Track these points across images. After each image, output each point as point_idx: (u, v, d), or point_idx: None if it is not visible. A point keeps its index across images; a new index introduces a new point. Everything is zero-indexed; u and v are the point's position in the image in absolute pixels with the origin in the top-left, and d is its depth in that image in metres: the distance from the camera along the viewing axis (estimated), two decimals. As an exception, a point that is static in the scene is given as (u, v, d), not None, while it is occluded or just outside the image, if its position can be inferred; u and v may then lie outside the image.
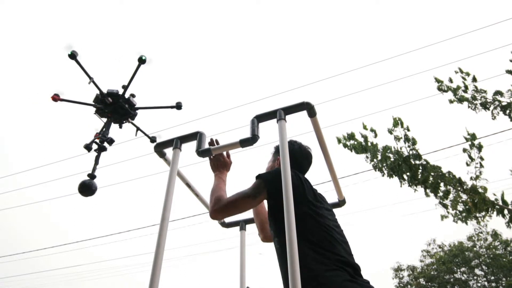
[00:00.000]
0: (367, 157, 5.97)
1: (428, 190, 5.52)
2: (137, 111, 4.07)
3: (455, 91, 5.91)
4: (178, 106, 4.10)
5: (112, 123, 3.97)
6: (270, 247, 1.58)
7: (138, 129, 4.14)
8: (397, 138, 5.77)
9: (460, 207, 5.64)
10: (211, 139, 1.71)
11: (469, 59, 6.80)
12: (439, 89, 6.05)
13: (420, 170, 5.49)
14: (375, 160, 5.89)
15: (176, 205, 1.51)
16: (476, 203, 5.16)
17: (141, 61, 3.69)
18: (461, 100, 5.88)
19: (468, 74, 5.93)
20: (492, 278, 16.93)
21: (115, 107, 3.86)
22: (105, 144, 3.79)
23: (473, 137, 5.45)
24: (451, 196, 5.60)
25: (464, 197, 5.50)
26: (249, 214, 2.13)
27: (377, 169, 5.90)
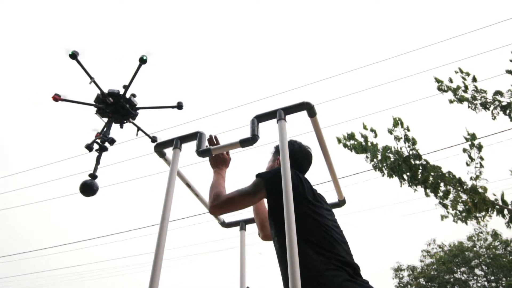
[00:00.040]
0: (367, 157, 5.97)
1: (428, 190, 5.52)
2: (138, 111, 4.07)
3: (455, 91, 5.91)
4: (179, 106, 4.09)
5: (113, 123, 3.97)
6: (270, 247, 1.58)
7: (139, 129, 4.14)
8: (397, 138, 5.77)
9: (460, 207, 5.64)
10: (210, 136, 1.71)
11: (469, 59, 6.81)
12: (439, 89, 6.05)
13: (420, 170, 5.49)
14: (375, 160, 5.89)
15: (176, 205, 1.52)
16: (476, 203, 5.16)
17: (142, 61, 3.69)
18: (461, 100, 5.88)
19: (468, 74, 5.93)
20: (492, 278, 16.93)
21: (116, 107, 3.85)
22: (106, 144, 3.79)
23: (473, 137, 5.45)
24: (451, 196, 5.60)
25: (464, 197, 5.50)
26: (249, 214, 2.13)
27: (377, 169, 5.90)
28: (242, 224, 2.13)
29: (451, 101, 5.95)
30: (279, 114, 1.42)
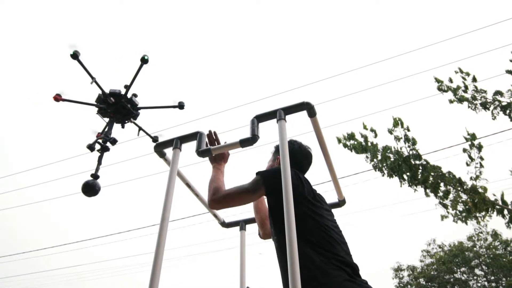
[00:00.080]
0: (367, 157, 5.97)
1: (428, 190, 5.52)
2: (139, 111, 4.06)
3: (455, 91, 5.91)
4: (181, 105, 4.09)
5: (115, 123, 3.96)
6: (270, 247, 1.59)
7: (140, 128, 4.13)
8: (397, 138, 5.78)
9: (460, 207, 5.64)
10: (209, 131, 1.72)
11: (469, 59, 6.81)
12: (439, 89, 6.05)
13: (420, 170, 5.49)
14: (375, 160, 5.90)
15: (176, 205, 1.52)
16: (476, 203, 5.16)
17: (144, 61, 3.68)
18: (461, 100, 5.88)
19: (468, 74, 5.93)
20: (492, 278, 16.93)
21: (118, 107, 3.85)
22: (108, 144, 3.78)
23: (473, 137, 5.45)
24: (451, 196, 5.60)
25: (464, 197, 5.51)
26: (249, 214, 2.14)
27: (377, 169, 5.90)
28: (242, 224, 2.13)
29: (451, 101, 5.95)
30: (279, 114, 1.42)
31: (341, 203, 1.99)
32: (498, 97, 5.77)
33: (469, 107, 5.91)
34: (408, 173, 5.55)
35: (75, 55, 3.53)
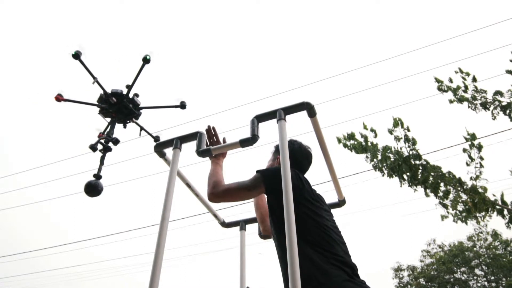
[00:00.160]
0: (367, 157, 5.97)
1: (428, 190, 5.52)
2: (141, 110, 4.05)
3: (455, 91, 5.91)
4: (182, 105, 4.07)
5: (116, 123, 3.95)
6: (270, 247, 1.59)
7: (142, 128, 4.12)
8: (397, 138, 5.77)
9: (460, 207, 5.64)
10: (208, 126, 1.72)
11: (469, 59, 6.80)
12: (439, 89, 6.05)
13: (420, 170, 5.49)
14: (375, 160, 5.89)
15: (176, 205, 1.52)
16: (476, 203, 5.16)
17: (146, 60, 3.67)
18: (461, 100, 5.87)
19: (468, 74, 5.93)
20: (492, 278, 16.93)
21: (120, 107, 3.84)
22: (110, 144, 3.76)
23: (473, 137, 5.45)
24: (451, 196, 5.60)
25: (464, 197, 5.50)
26: (249, 214, 2.14)
27: (377, 169, 5.90)
28: (242, 224, 2.13)
29: (451, 101, 5.94)
30: (279, 114, 1.42)
31: (341, 203, 1.99)
32: (498, 97, 5.77)
33: (469, 107, 5.91)
34: (408, 173, 5.55)
35: (77, 55, 3.51)
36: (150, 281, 1.20)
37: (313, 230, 1.38)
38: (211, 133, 1.73)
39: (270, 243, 1.61)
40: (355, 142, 6.01)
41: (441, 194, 5.50)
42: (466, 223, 5.96)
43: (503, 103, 5.75)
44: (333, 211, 1.71)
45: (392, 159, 5.69)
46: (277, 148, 1.85)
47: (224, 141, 1.76)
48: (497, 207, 5.18)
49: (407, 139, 5.68)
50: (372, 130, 5.97)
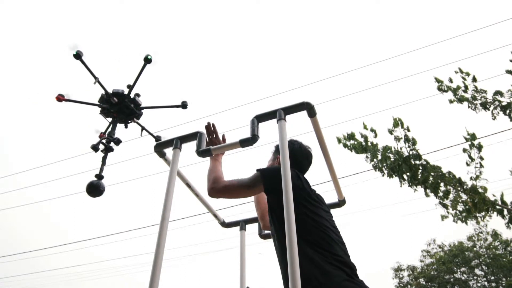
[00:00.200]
0: (367, 157, 5.97)
1: (428, 190, 5.52)
2: (142, 110, 4.05)
3: (455, 91, 5.91)
4: (184, 105, 4.07)
5: (118, 123, 3.94)
6: (270, 247, 1.59)
7: (143, 128, 4.12)
8: (397, 138, 5.77)
9: (460, 207, 5.64)
10: (208, 123, 1.73)
11: (469, 59, 6.80)
12: (439, 89, 6.05)
13: (420, 170, 5.49)
14: (375, 160, 5.89)
15: (176, 205, 1.52)
16: (476, 203, 5.16)
17: (147, 60, 3.67)
18: (461, 100, 5.88)
19: (468, 74, 5.93)
20: (492, 278, 16.92)
21: (121, 107, 3.84)
22: (112, 144, 3.76)
23: (473, 137, 5.45)
24: (451, 196, 5.60)
25: (464, 197, 5.50)
26: (249, 214, 2.14)
27: (377, 169, 5.90)
28: (242, 224, 2.13)
29: (451, 101, 5.94)
30: (279, 114, 1.42)
31: (341, 203, 1.99)
32: (498, 97, 5.77)
33: (469, 107, 5.91)
34: (408, 173, 5.55)
35: (78, 55, 3.50)
36: (150, 281, 1.20)
37: (313, 230, 1.38)
38: (210, 129, 1.74)
39: (270, 243, 1.61)
40: (355, 142, 6.01)
41: (441, 194, 5.50)
42: (466, 223, 5.96)
43: (503, 103, 5.75)
44: (333, 211, 1.71)
45: (392, 159, 5.69)
46: (277, 148, 1.85)
47: (223, 138, 1.77)
48: (497, 207, 5.18)
49: (407, 139, 5.68)
50: (372, 130, 5.97)
